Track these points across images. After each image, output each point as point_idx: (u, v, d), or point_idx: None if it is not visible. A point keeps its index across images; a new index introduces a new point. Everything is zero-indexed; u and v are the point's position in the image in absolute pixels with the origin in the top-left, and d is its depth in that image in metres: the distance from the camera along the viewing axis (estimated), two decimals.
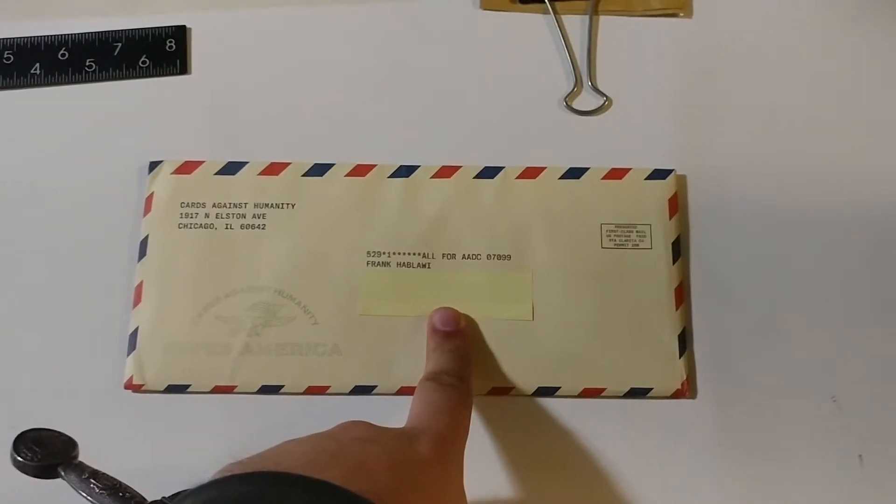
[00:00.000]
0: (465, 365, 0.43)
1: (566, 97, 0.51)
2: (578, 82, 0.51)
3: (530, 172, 0.49)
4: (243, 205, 0.48)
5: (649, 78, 0.51)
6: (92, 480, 0.36)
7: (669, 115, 0.51)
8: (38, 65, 0.51)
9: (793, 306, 0.47)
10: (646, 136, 0.50)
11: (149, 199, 0.48)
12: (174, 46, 0.52)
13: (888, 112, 0.51)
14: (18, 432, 0.37)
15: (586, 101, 0.51)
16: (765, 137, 0.50)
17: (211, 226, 0.48)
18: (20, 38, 0.52)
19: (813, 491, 0.44)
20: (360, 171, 0.49)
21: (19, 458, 0.36)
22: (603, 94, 0.51)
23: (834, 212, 0.49)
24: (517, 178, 0.48)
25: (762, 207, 0.49)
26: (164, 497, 0.37)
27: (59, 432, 0.38)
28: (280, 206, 0.48)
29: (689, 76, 0.52)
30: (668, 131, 0.50)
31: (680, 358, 0.46)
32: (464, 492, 0.37)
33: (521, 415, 0.46)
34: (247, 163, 0.49)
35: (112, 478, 0.37)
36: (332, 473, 0.29)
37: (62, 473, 0.36)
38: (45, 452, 0.36)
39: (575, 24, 0.53)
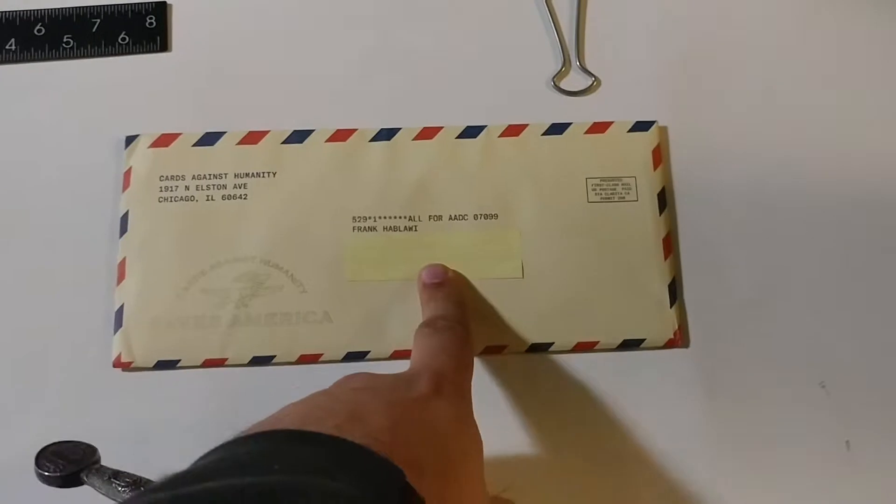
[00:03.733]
0: (459, 309, 0.43)
1: (554, 77, 0.50)
2: (567, 62, 0.51)
3: (513, 130, 0.48)
4: (223, 175, 0.47)
5: (637, 57, 0.50)
6: (114, 481, 0.37)
7: (658, 95, 0.50)
8: (13, 40, 0.50)
9: (782, 284, 0.47)
10: (635, 116, 0.49)
11: (127, 174, 0.47)
12: (154, 23, 0.51)
13: (887, 90, 0.50)
14: (38, 448, 0.38)
15: (574, 81, 0.50)
16: (754, 118, 0.49)
17: (192, 198, 0.47)
18: None
19: (800, 476, 0.44)
20: (341, 136, 0.48)
21: (44, 473, 0.37)
22: (591, 75, 0.50)
23: (819, 190, 0.48)
24: (500, 136, 0.48)
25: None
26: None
27: (76, 441, 0.39)
28: (261, 175, 0.47)
29: (677, 56, 0.50)
30: (655, 112, 0.49)
31: (671, 307, 0.46)
32: (474, 424, 0.36)
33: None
34: (225, 133, 0.48)
35: (132, 474, 0.38)
36: (325, 425, 0.28)
37: (86, 479, 0.37)
38: (67, 462, 0.38)
39: (563, 2, 0.52)
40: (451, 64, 0.50)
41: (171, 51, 0.51)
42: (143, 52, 0.50)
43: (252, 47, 0.51)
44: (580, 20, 0.51)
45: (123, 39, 0.50)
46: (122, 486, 0.37)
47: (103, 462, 0.39)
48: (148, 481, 0.37)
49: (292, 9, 0.51)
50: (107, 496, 0.37)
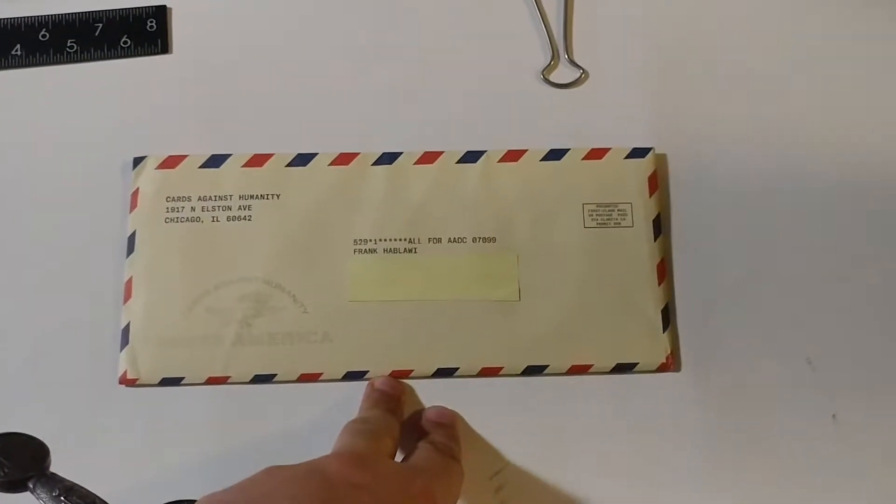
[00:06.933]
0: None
1: (543, 70, 0.51)
2: (555, 55, 0.52)
3: (512, 155, 0.49)
4: (229, 197, 0.48)
5: (626, 50, 0.52)
6: (62, 498, 0.34)
7: (647, 86, 0.51)
8: (19, 46, 0.51)
9: (769, 275, 0.48)
10: (623, 108, 0.51)
11: (134, 195, 0.48)
12: (155, 26, 0.52)
13: (868, 82, 0.51)
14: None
15: (563, 74, 0.52)
16: (742, 109, 0.51)
17: (197, 219, 0.48)
18: None
19: (790, 449, 0.46)
20: (344, 159, 0.49)
21: None
22: (579, 67, 0.51)
23: (808, 181, 0.50)
24: (499, 161, 0.49)
25: (738, 180, 0.50)
26: None
27: (29, 437, 0.36)
28: (265, 196, 0.48)
29: (665, 47, 0.52)
30: (645, 103, 0.51)
31: (664, 332, 0.47)
32: None
33: (512, 394, 0.46)
34: (230, 155, 0.49)
35: (88, 493, 0.35)
36: None
37: (31, 489, 0.34)
38: (14, 464, 0.35)
39: None
40: (441, 61, 0.52)
41: (171, 53, 0.52)
42: (145, 55, 0.52)
43: (249, 48, 0.52)
44: (568, 14, 0.53)
45: (125, 43, 0.52)
46: None
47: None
48: (103, 503, 0.34)
49: (285, 11, 0.53)
50: None
